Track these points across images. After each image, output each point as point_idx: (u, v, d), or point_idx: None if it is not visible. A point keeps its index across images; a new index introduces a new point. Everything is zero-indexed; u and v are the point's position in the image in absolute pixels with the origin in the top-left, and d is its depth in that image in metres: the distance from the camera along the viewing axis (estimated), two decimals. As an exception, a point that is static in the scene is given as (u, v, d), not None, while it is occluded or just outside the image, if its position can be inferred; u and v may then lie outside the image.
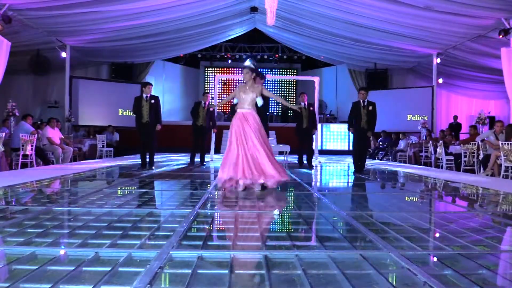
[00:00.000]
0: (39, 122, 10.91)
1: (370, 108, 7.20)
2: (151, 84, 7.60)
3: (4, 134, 7.96)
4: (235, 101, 5.12)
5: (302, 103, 8.32)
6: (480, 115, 11.09)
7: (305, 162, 8.72)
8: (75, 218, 2.96)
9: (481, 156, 8.32)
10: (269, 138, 6.11)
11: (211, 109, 8.60)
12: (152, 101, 7.40)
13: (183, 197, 4.21)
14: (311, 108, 8.51)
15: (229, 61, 18.79)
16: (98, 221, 2.85)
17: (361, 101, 7.26)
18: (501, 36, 8.82)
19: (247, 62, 5.16)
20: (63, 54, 12.28)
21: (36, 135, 8.69)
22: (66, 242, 2.30)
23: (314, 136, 8.90)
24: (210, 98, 8.96)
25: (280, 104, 18.08)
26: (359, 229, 2.70)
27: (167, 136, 14.47)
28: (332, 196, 4.64)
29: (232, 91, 19.41)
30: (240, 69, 18.56)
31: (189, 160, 8.93)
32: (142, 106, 7.34)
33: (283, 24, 13.21)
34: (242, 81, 5.61)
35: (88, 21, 10.52)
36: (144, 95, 7.41)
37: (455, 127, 13.15)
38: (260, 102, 5.02)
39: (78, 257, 2.00)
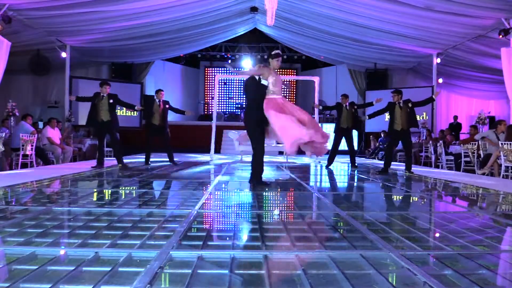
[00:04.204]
0: (39, 124, 10.93)
1: (410, 105, 7.29)
2: (109, 85, 7.61)
3: (4, 134, 7.96)
4: (265, 82, 4.92)
5: (344, 105, 8.47)
6: (480, 115, 11.09)
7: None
8: (75, 218, 2.96)
9: (481, 157, 8.31)
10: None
11: (167, 106, 8.49)
12: (111, 100, 7.43)
13: (183, 197, 4.21)
14: (354, 107, 8.58)
15: (229, 61, 18.78)
16: (98, 221, 2.86)
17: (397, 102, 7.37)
18: (501, 36, 8.82)
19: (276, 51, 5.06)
20: (63, 54, 12.28)
21: (36, 135, 8.70)
22: (66, 242, 2.30)
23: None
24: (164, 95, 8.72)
25: None
26: (359, 229, 2.70)
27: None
28: (332, 196, 4.63)
29: (232, 91, 19.48)
30: (239, 68, 18.56)
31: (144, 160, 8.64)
32: (101, 104, 7.37)
33: (283, 24, 13.20)
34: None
35: (88, 21, 10.51)
36: (102, 94, 7.44)
37: (455, 127, 13.14)
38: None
39: (78, 257, 2.00)
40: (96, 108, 7.40)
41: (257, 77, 4.93)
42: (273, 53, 5.03)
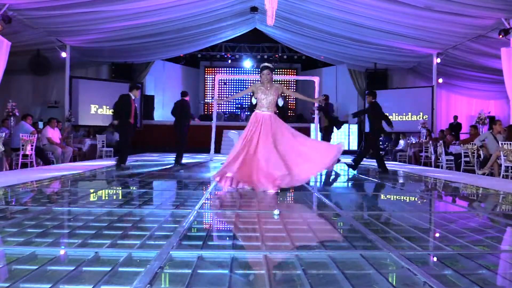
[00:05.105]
0: (39, 124, 10.92)
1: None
2: (140, 88, 7.66)
3: (4, 134, 7.96)
4: (253, 101, 4.95)
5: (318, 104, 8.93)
6: (480, 115, 11.08)
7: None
8: (75, 218, 2.96)
9: (481, 158, 8.31)
10: None
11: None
12: (137, 105, 7.53)
13: (183, 197, 4.21)
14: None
15: (229, 61, 18.78)
16: (98, 221, 2.85)
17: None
18: (501, 36, 8.81)
19: (265, 64, 4.97)
20: (63, 54, 12.27)
21: (36, 135, 8.70)
22: (66, 242, 2.31)
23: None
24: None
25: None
26: (359, 229, 2.70)
27: (167, 137, 14.47)
28: (332, 196, 4.63)
29: (232, 91, 19.48)
30: (239, 68, 18.57)
31: (179, 159, 8.67)
32: (132, 107, 7.38)
33: (283, 24, 13.19)
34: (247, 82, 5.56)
35: (88, 21, 10.51)
36: (133, 97, 7.43)
37: (455, 127, 13.14)
38: (281, 102, 4.94)
39: (78, 257, 2.00)
40: (127, 110, 7.36)
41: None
42: (260, 67, 5.03)
